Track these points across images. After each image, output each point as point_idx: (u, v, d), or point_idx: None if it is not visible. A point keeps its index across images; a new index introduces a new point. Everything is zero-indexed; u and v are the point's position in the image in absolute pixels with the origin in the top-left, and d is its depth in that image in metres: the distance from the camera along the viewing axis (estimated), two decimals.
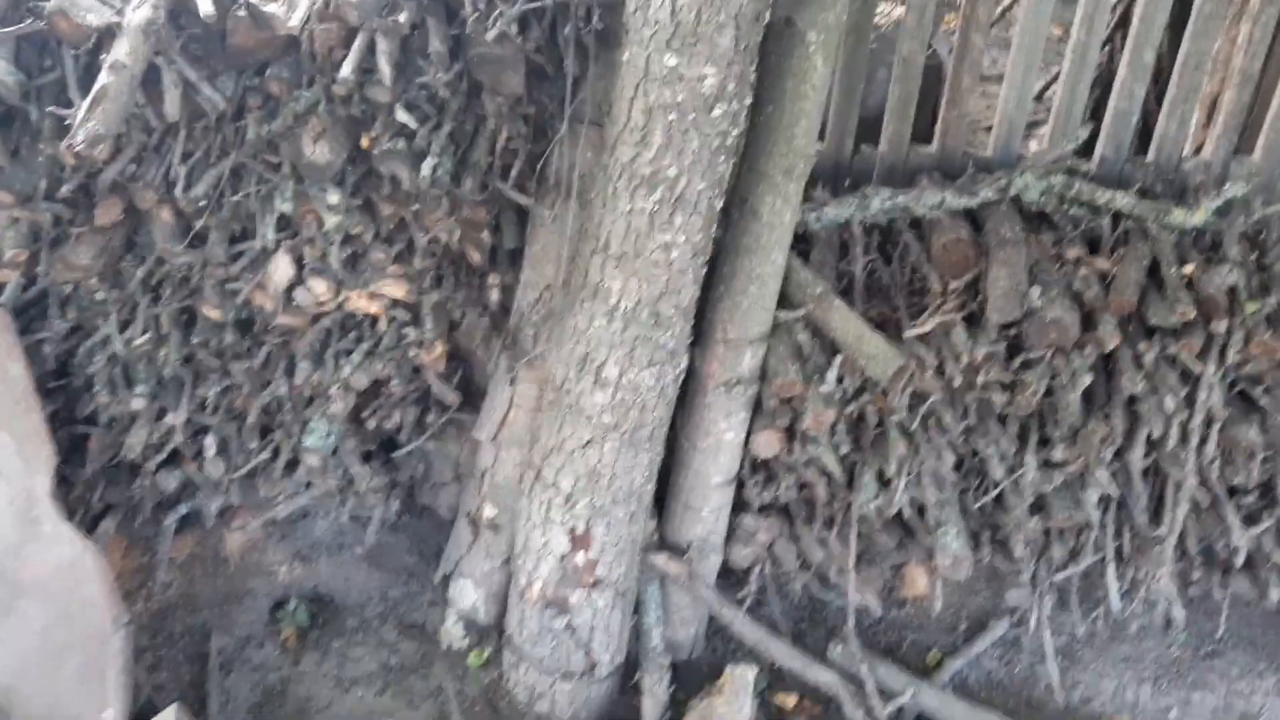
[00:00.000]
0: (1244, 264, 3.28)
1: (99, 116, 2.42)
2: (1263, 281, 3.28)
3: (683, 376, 3.06)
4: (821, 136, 3.48)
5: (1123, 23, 4.07)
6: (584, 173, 2.91)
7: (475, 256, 3.13)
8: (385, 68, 2.61)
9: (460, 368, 3.42)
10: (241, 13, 2.58)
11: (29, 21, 2.60)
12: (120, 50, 2.46)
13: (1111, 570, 3.38)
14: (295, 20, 2.56)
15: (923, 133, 3.64)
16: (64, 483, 3.31)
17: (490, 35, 2.58)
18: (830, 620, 3.63)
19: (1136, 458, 3.27)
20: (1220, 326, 3.15)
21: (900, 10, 3.51)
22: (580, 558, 3.12)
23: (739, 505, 3.42)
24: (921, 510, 3.37)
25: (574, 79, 2.77)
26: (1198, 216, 3.30)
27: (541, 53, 2.75)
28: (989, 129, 3.61)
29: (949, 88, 3.49)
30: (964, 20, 3.38)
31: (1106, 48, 4.70)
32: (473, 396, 3.44)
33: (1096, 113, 3.64)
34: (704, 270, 2.92)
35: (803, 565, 3.54)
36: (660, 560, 3.33)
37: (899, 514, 3.36)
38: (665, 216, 2.71)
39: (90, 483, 3.40)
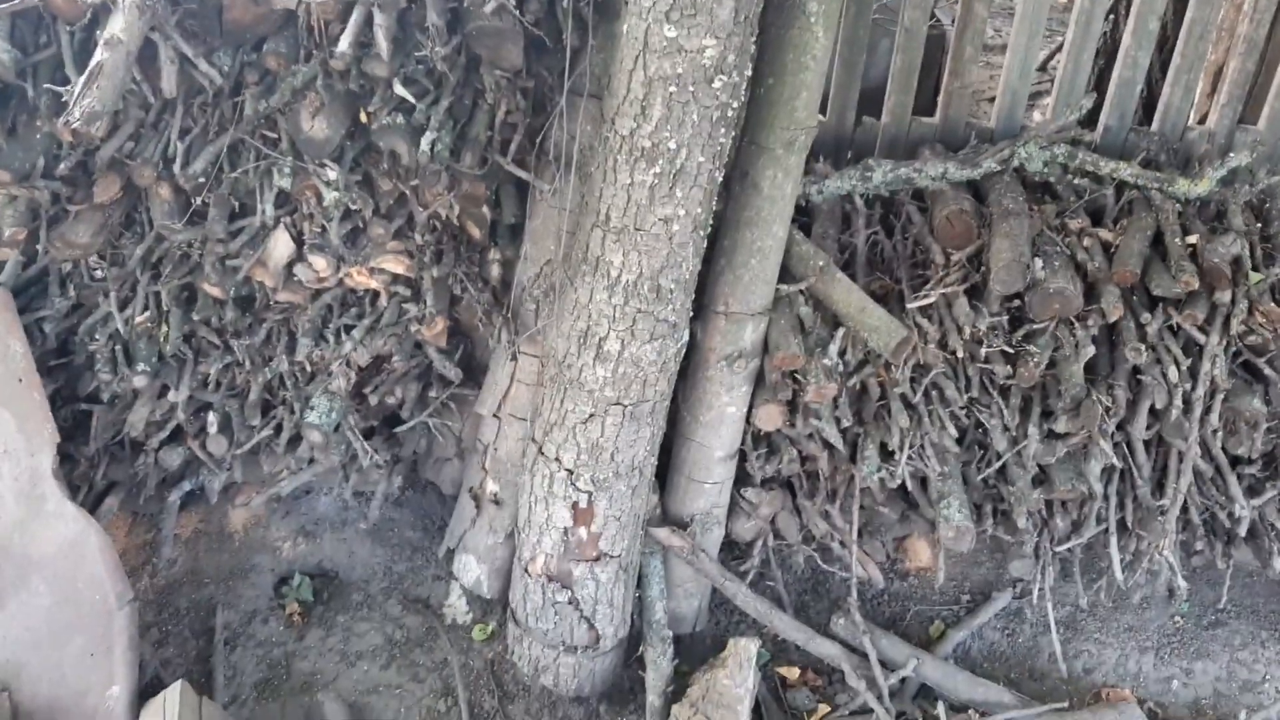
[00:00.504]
0: (1248, 234, 3.27)
1: (95, 93, 2.40)
2: (1266, 252, 3.27)
3: (684, 350, 3.06)
4: (823, 109, 3.46)
5: None
6: (584, 146, 2.89)
7: (475, 231, 3.12)
8: (382, 42, 2.58)
9: (462, 343, 3.42)
10: None
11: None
12: (116, 26, 2.43)
13: (1114, 541, 3.38)
14: None
15: (925, 104, 3.62)
16: (67, 460, 3.32)
17: (488, 8, 2.56)
18: (833, 593, 3.64)
19: (1139, 429, 3.26)
20: (1224, 297, 3.14)
21: None
22: (583, 532, 3.12)
23: (741, 478, 3.43)
24: (924, 482, 3.37)
25: (573, 51, 2.75)
26: (1201, 186, 3.29)
27: (540, 25, 2.72)
28: (992, 99, 3.59)
29: (951, 58, 3.46)
30: None
31: (1111, 16, 4.68)
32: (475, 371, 3.45)
33: (1101, 82, 3.62)
34: (705, 243, 2.90)
35: (805, 538, 3.55)
36: (663, 534, 3.33)
37: (902, 486, 3.36)
38: (665, 189, 2.69)
39: (94, 460, 3.40)
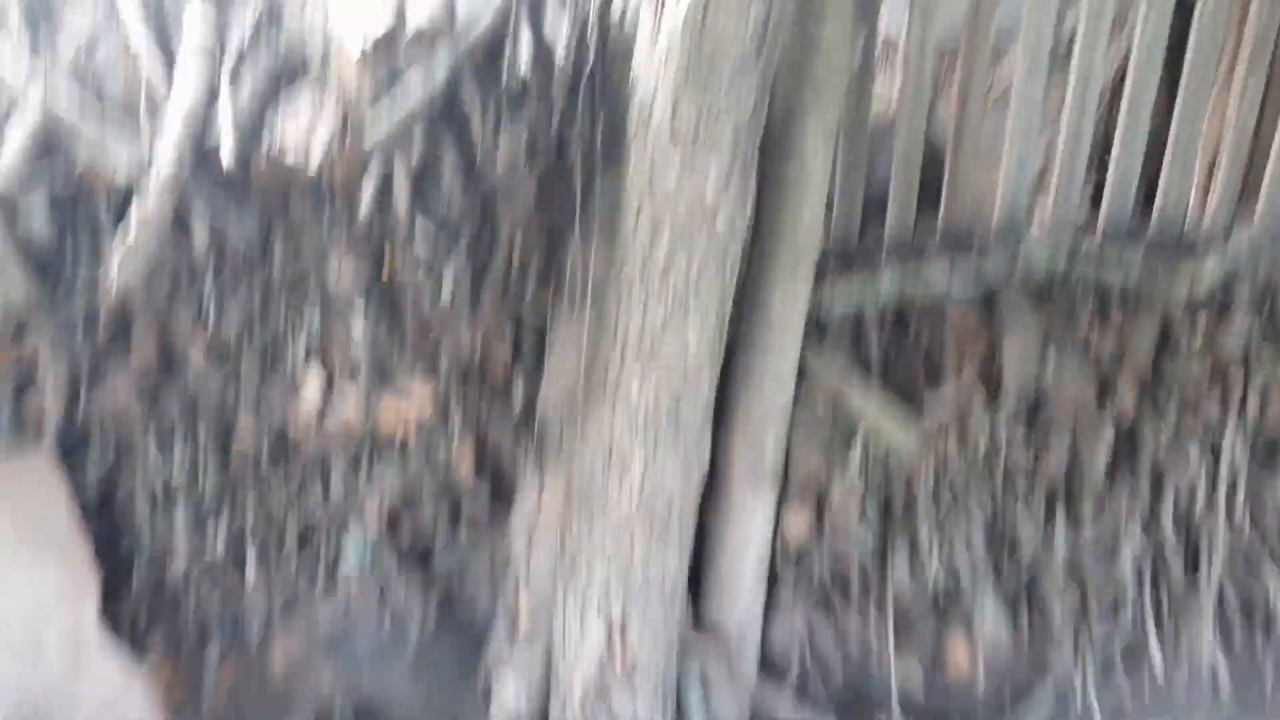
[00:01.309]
0: (1258, 318, 3.31)
1: (128, 269, 2.54)
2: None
3: (706, 468, 3.12)
4: (827, 226, 3.55)
5: (1115, 93, 4.14)
6: (599, 279, 3.00)
7: (498, 366, 3.22)
8: (401, 201, 2.72)
9: (490, 471, 3.49)
10: (263, 165, 2.70)
11: (61, 179, 2.73)
12: (147, 203, 2.58)
13: (1153, 632, 3.36)
14: (314, 164, 2.67)
15: (931, 206, 3.70)
16: (110, 608, 3.40)
17: (500, 169, 2.69)
18: (875, 699, 3.62)
19: (1166, 517, 3.27)
20: (1237, 381, 3.17)
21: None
22: (618, 651, 3.15)
23: (774, 588, 3.45)
24: (957, 584, 3.39)
25: (582, 195, 2.87)
26: (1206, 275, 3.34)
27: (550, 174, 2.85)
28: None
29: (949, 167, 3.55)
30: (960, 100, 3.46)
31: (1103, 126, 4.76)
32: (504, 497, 3.51)
33: (1100, 173, 3.69)
34: (719, 366, 2.99)
35: (842, 645, 3.56)
36: (698, 646, 3.35)
37: (935, 587, 3.38)
38: (678, 320, 2.78)
39: (134, 607, 3.47)
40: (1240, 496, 3.23)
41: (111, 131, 2.75)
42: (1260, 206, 3.58)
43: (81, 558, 3.16)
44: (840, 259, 3.61)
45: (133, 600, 3.43)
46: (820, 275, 3.46)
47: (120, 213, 2.78)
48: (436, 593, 3.63)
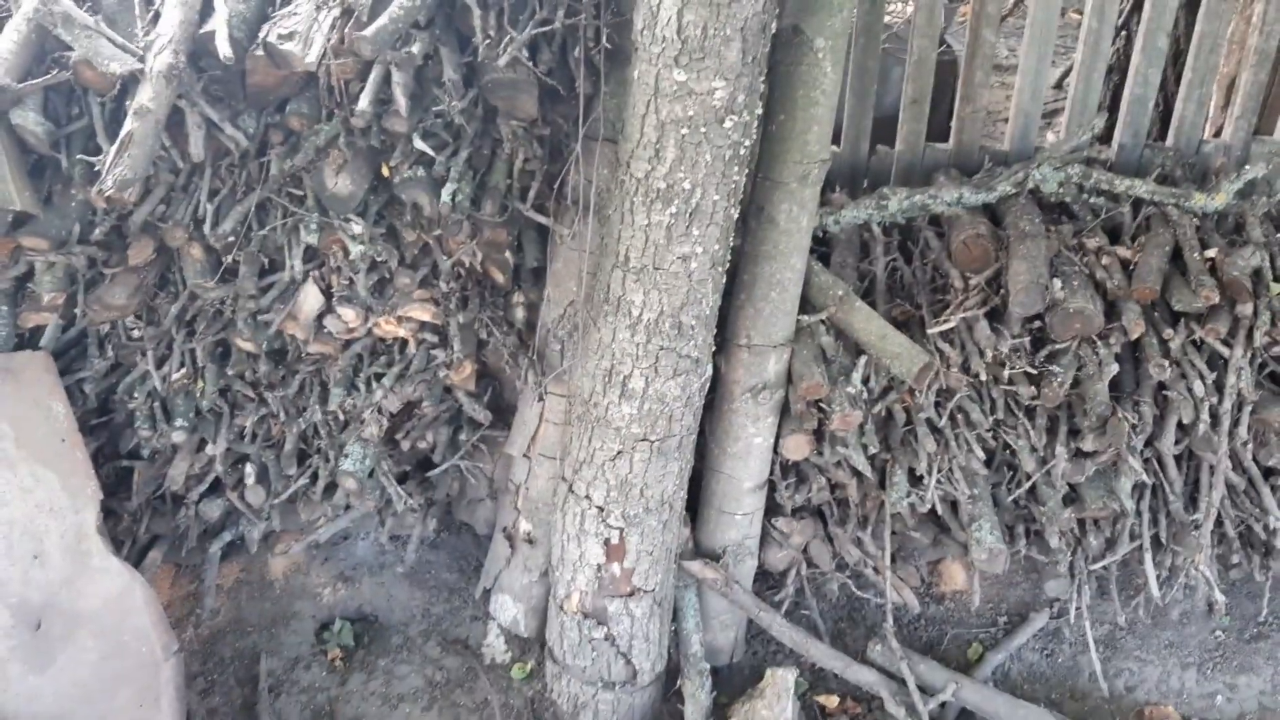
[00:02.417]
0: (1267, 245, 3.26)
1: (126, 161, 2.50)
2: None
3: (708, 384, 3.09)
4: (837, 139, 3.51)
5: (1137, 7, 4.06)
6: (601, 189, 2.95)
7: (499, 276, 3.19)
8: (401, 99, 2.66)
9: (490, 385, 3.48)
10: (260, 53, 2.64)
11: (55, 72, 2.68)
12: (144, 96, 2.53)
13: (1149, 558, 3.37)
14: (312, 57, 2.61)
15: (940, 129, 3.65)
16: (111, 516, 3.41)
17: (502, 61, 2.62)
18: (869, 619, 3.65)
19: (1168, 444, 3.25)
20: (1246, 309, 3.13)
21: (911, 8, 3.52)
22: (616, 568, 3.16)
23: (772, 508, 3.45)
24: (954, 506, 3.38)
25: (586, 98, 2.81)
26: (1218, 200, 3.29)
27: (553, 74, 2.79)
28: (1007, 120, 3.61)
29: (962, 84, 3.50)
30: (974, 16, 3.39)
31: (1124, 33, 4.69)
32: (504, 413, 3.50)
33: (1115, 99, 3.63)
34: (724, 279, 2.95)
35: (839, 565, 3.57)
36: (696, 567, 3.36)
37: (932, 510, 3.37)
38: (682, 229, 2.74)
39: (136, 515, 3.49)
40: (1243, 427, 3.20)
41: (106, 23, 2.69)
42: None
43: (81, 465, 3.16)
44: (848, 179, 3.57)
45: (133, 506, 3.44)
46: (828, 193, 3.43)
47: (117, 107, 2.73)
48: (435, 505, 3.63)
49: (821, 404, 3.22)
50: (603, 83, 2.83)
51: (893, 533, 3.43)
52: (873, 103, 3.50)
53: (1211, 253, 3.19)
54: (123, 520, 3.47)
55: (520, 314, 3.29)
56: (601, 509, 3.09)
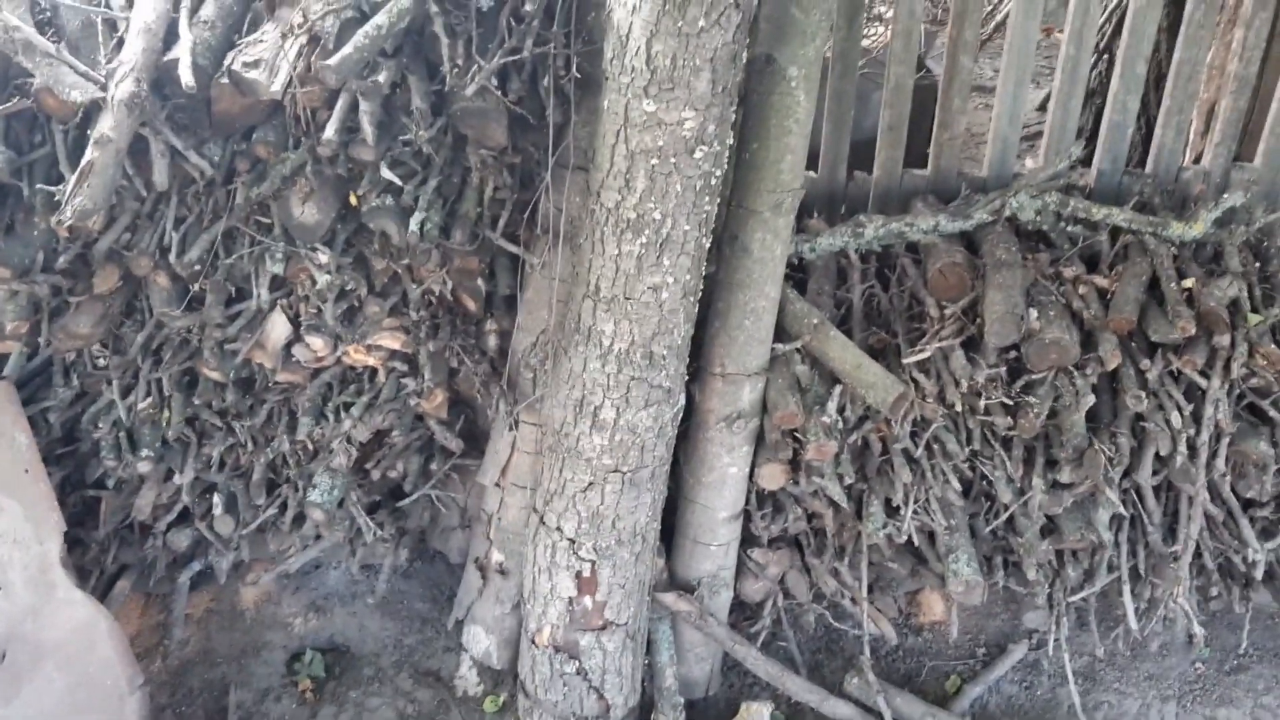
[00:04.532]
0: (1245, 275, 3.24)
1: (86, 191, 2.46)
2: (1266, 292, 3.24)
3: (681, 414, 3.06)
4: (814, 165, 3.48)
5: (1118, 32, 4.05)
6: (572, 217, 2.92)
7: (470, 304, 3.15)
8: (368, 127, 2.63)
9: (462, 413, 3.44)
10: (224, 80, 2.60)
11: (16, 100, 2.64)
12: (105, 125, 2.49)
13: (1128, 590, 3.33)
14: (277, 85, 2.58)
15: (919, 153, 3.63)
16: (78, 546, 3.37)
17: (470, 90, 2.59)
18: (847, 650, 3.60)
19: (1146, 476, 3.22)
20: (1223, 340, 3.11)
21: (889, 33, 3.50)
22: (588, 601, 3.11)
23: (748, 539, 3.41)
24: (932, 537, 3.34)
25: (557, 126, 2.78)
26: (1196, 229, 3.27)
27: (523, 103, 2.75)
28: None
29: (940, 110, 3.48)
30: (951, 42, 3.37)
31: (1105, 56, 4.69)
32: (476, 441, 3.46)
33: (1096, 124, 3.61)
34: (696, 308, 2.91)
35: (816, 596, 3.53)
36: (670, 599, 3.32)
37: (910, 540, 3.33)
38: (653, 259, 2.70)
39: (104, 544, 3.44)
40: (1221, 458, 3.17)
41: (69, 50, 2.66)
42: (1261, 147, 3.50)
43: (45, 496, 3.11)
44: (825, 205, 3.55)
45: (100, 536, 3.39)
46: (804, 219, 3.40)
47: (80, 135, 2.69)
48: (408, 534, 3.59)
49: (797, 433, 3.19)
50: (573, 111, 2.80)
51: (870, 563, 3.39)
52: (850, 129, 3.48)
53: (1189, 283, 3.16)
54: (90, 550, 3.43)
55: (492, 342, 3.25)
56: (573, 541, 3.04)
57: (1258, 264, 3.31)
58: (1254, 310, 3.17)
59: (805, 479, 3.24)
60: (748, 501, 3.33)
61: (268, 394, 3.22)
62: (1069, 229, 3.37)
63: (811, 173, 3.49)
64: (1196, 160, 3.67)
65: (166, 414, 3.19)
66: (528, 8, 2.61)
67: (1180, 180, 3.53)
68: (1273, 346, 3.11)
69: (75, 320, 2.96)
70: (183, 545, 3.46)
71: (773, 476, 3.25)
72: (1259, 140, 3.55)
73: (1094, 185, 3.53)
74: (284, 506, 3.40)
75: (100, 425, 3.22)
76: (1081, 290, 3.19)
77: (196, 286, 2.97)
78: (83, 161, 2.49)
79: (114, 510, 3.38)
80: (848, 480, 3.24)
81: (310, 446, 3.29)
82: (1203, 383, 3.14)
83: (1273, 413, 3.15)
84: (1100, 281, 3.22)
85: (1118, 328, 3.12)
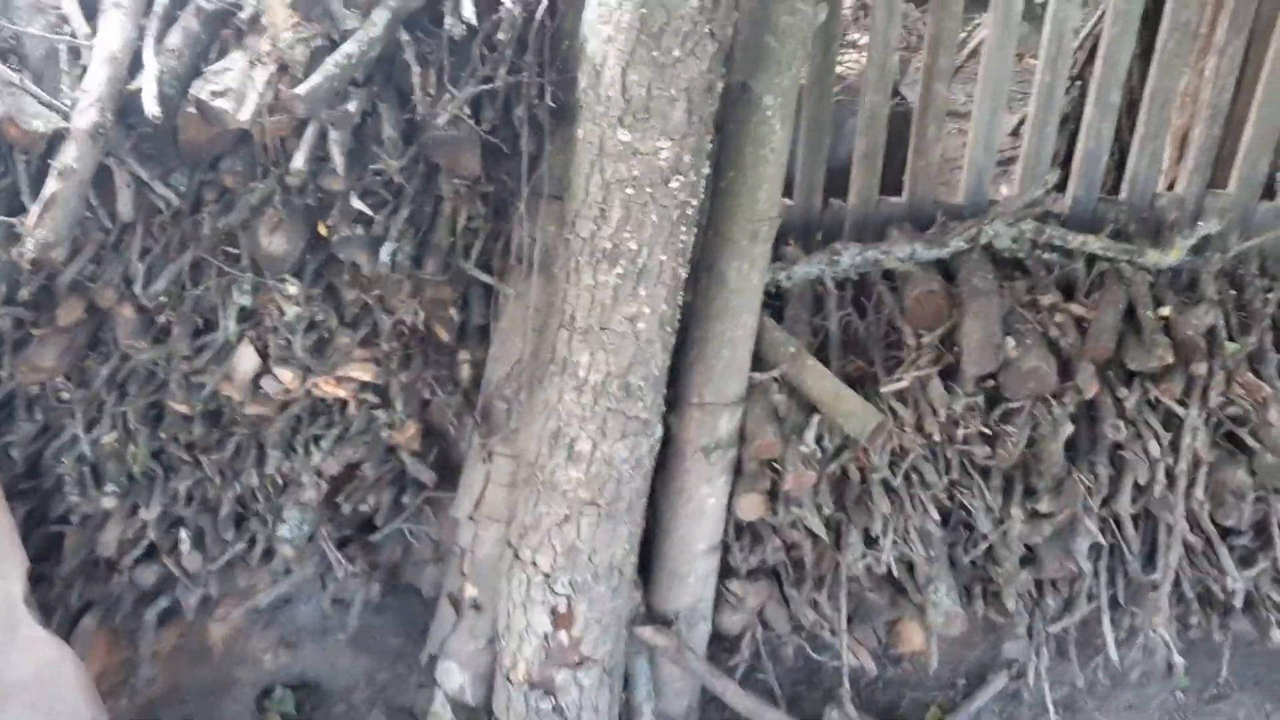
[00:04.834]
0: (1221, 303, 3.24)
1: (49, 223, 2.41)
2: (1242, 320, 3.24)
3: (658, 445, 3.02)
4: (790, 192, 3.46)
5: (1092, 58, 4.06)
6: (547, 246, 2.88)
7: (443, 334, 3.10)
8: (338, 157, 2.59)
9: (435, 445, 3.38)
10: (191, 109, 2.56)
11: None
12: (68, 155, 2.43)
13: (1107, 619, 3.31)
14: (245, 114, 2.53)
15: (895, 180, 3.61)
16: (42, 582, 3.28)
17: (442, 119, 2.56)
18: (826, 682, 3.56)
19: (1125, 504, 3.21)
20: (1200, 369, 3.10)
21: (864, 60, 3.49)
22: (564, 636, 3.06)
23: (726, 570, 3.37)
24: (911, 567, 3.31)
25: (531, 156, 2.75)
26: (1172, 256, 3.27)
27: (497, 132, 2.72)
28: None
29: (914, 138, 3.47)
30: (926, 70, 3.36)
31: (1079, 82, 4.70)
32: (450, 473, 3.40)
33: (1072, 149, 3.61)
34: (673, 338, 2.88)
35: (795, 628, 3.48)
36: (647, 633, 3.27)
37: (889, 571, 3.30)
38: (629, 289, 2.67)
39: (69, 581, 3.36)
40: (1200, 487, 3.17)
41: (33, 79, 2.61)
42: (1235, 174, 3.51)
43: (7, 532, 3.03)
44: (801, 233, 3.53)
45: (64, 572, 3.31)
46: (781, 246, 3.38)
47: (43, 165, 2.63)
48: (380, 568, 3.53)
49: (775, 463, 3.16)
50: (548, 140, 2.77)
51: (849, 594, 3.35)
52: (825, 156, 3.46)
53: (1166, 311, 3.16)
54: (54, 587, 3.34)
55: (466, 372, 3.20)
56: (548, 576, 2.99)
57: (1233, 291, 3.32)
58: (1230, 338, 3.17)
59: (784, 509, 3.21)
60: (726, 532, 3.29)
61: (236, 427, 3.16)
62: (1045, 256, 3.36)
63: (788, 200, 3.47)
64: (1171, 187, 3.68)
65: (132, 448, 3.12)
66: (501, 36, 2.58)
67: (1155, 207, 3.53)
68: (1250, 375, 3.11)
69: (38, 353, 2.89)
70: (149, 581, 3.38)
71: (751, 507, 3.21)
72: (1233, 167, 3.56)
73: (1069, 212, 3.52)
74: (253, 541, 3.34)
75: (64, 460, 3.15)
76: (1058, 318, 3.18)
77: (163, 318, 2.91)
78: (45, 192, 2.43)
79: (78, 546, 3.30)
80: (826, 510, 3.21)
81: (279, 480, 3.23)
82: (1181, 411, 3.13)
83: (1251, 441, 3.14)
84: (1077, 309, 3.21)
85: (1095, 356, 3.11)
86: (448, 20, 2.54)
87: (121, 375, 3.05)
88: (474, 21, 2.54)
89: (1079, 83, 4.69)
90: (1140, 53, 3.56)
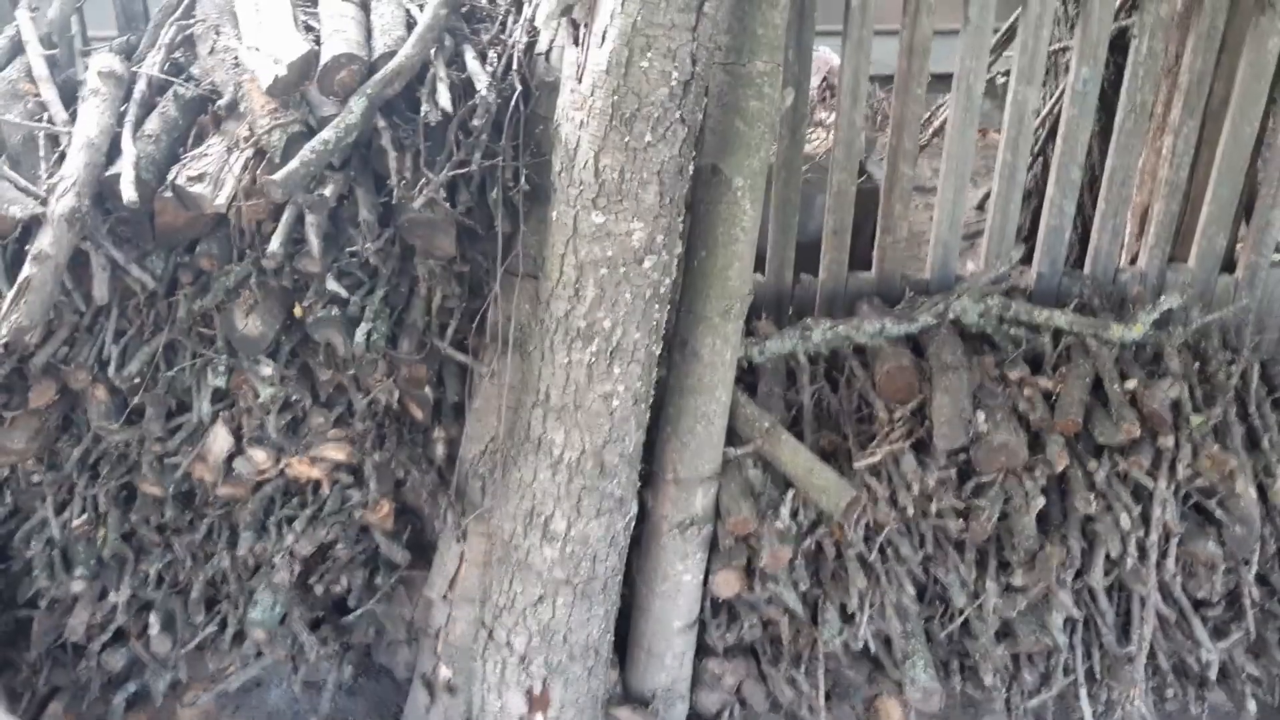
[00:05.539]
0: (1185, 376, 3.30)
1: (23, 309, 2.42)
2: (1206, 393, 3.30)
3: (633, 522, 3.02)
4: (761, 268, 3.51)
5: (1052, 137, 4.17)
6: (522, 324, 2.91)
7: (418, 413, 3.11)
8: (314, 240, 2.61)
9: (409, 524, 3.36)
10: (168, 194, 2.58)
11: None
12: (44, 241, 2.46)
13: (1084, 693, 3.31)
14: (222, 199, 2.57)
15: (864, 254, 3.67)
16: (9, 667, 3.23)
17: (418, 203, 2.59)
18: None
19: (1098, 577, 3.22)
20: (1167, 442, 3.14)
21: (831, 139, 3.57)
22: (539, 718, 3.03)
23: (703, 648, 3.35)
24: (888, 642, 3.31)
25: (506, 237, 2.78)
26: (1135, 330, 3.32)
27: (472, 214, 2.76)
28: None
29: (882, 215, 3.54)
30: (891, 150, 3.44)
31: (1041, 159, 4.82)
32: (423, 552, 3.37)
33: (1036, 223, 3.70)
34: (647, 415, 2.90)
35: (773, 706, 3.45)
36: (624, 714, 3.23)
37: (866, 647, 3.29)
38: (603, 367, 2.70)
39: (36, 666, 3.30)
40: (1171, 559, 3.19)
41: (10, 164, 2.63)
42: (1195, 248, 3.59)
43: None
44: (773, 307, 3.57)
45: (32, 657, 3.26)
46: (753, 321, 3.42)
47: (19, 250, 2.65)
48: (352, 649, 3.48)
49: (751, 539, 3.16)
50: (522, 221, 2.81)
51: (827, 670, 3.33)
52: (795, 234, 3.52)
53: (1131, 384, 3.21)
54: (21, 672, 3.29)
55: (440, 450, 3.20)
56: (523, 657, 2.97)
57: (1197, 364, 3.38)
58: (1196, 410, 3.22)
59: (760, 585, 3.20)
60: (702, 610, 3.28)
61: (208, 508, 3.13)
62: (1012, 331, 3.41)
63: (759, 275, 3.52)
64: (1133, 261, 3.76)
65: (102, 531, 3.09)
66: (476, 122, 2.63)
67: (1118, 282, 3.61)
68: (1216, 448, 3.16)
69: (9, 435, 2.88)
70: (118, 666, 3.32)
71: (727, 584, 3.21)
72: (1192, 241, 3.65)
73: (1034, 287, 3.59)
74: (224, 624, 3.29)
75: (33, 544, 3.11)
76: (1027, 392, 3.22)
77: (136, 400, 2.91)
78: (20, 277, 2.45)
79: (46, 630, 3.24)
80: (803, 586, 3.21)
81: (251, 562, 3.20)
82: (1149, 484, 3.16)
83: (1219, 513, 3.18)
84: (1045, 383, 3.26)
85: (1064, 430, 3.15)
86: (424, 107, 2.59)
87: (93, 457, 3.04)
88: (449, 108, 2.59)
89: (1041, 158, 4.81)
90: (1100, 129, 3.67)
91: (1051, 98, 4.70)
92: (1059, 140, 3.47)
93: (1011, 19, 4.49)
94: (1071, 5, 4.36)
